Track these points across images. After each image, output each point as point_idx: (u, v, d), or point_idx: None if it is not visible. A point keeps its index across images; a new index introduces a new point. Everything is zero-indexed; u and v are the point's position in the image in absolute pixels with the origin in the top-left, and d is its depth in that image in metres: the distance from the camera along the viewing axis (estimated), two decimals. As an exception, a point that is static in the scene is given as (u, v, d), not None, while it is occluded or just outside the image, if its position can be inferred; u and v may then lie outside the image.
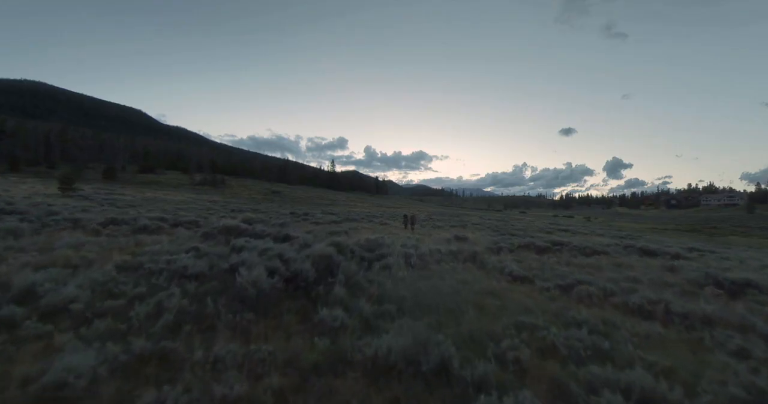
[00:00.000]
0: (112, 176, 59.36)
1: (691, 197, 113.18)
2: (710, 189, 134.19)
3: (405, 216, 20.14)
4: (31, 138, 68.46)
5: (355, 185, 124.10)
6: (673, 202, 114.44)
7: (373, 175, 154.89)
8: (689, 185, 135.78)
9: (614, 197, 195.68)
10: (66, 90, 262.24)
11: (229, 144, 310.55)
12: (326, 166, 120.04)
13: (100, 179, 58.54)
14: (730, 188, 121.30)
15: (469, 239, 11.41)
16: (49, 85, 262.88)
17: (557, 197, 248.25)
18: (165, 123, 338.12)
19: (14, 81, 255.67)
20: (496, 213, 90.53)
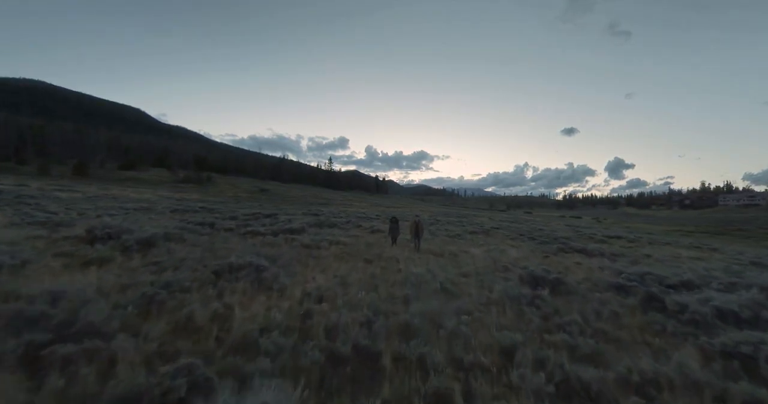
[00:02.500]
0: (84, 172, 53.13)
1: (705, 197, 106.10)
2: (720, 190, 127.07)
3: (392, 221, 11.05)
4: (3, 133, 62.37)
5: (354, 184, 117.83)
6: (687, 202, 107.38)
7: (373, 175, 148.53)
8: (703, 184, 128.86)
9: (619, 197, 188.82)
10: (64, 89, 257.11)
11: (230, 144, 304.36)
12: (324, 165, 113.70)
13: (70, 175, 52.42)
14: (748, 188, 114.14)
15: (567, 282, 4.88)
16: (48, 84, 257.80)
17: (559, 197, 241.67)
18: (165, 122, 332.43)
19: (13, 80, 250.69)
20: (502, 214, 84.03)
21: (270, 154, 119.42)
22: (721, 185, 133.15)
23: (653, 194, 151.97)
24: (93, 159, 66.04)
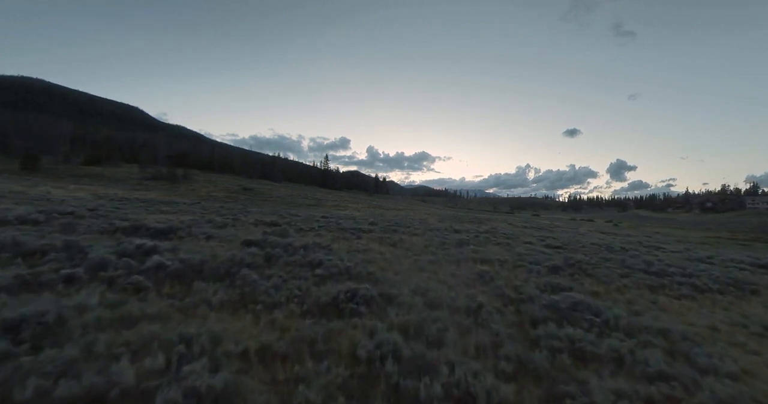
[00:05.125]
0: (33, 166, 44.80)
1: (728, 200, 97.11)
2: (738, 191, 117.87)
3: None
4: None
5: (353, 184, 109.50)
6: (708, 204, 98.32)
7: (374, 175, 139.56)
8: (724, 186, 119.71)
9: (627, 199, 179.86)
10: (61, 86, 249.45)
11: (231, 143, 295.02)
12: (321, 163, 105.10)
13: (17, 168, 44.05)
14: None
15: None
16: (45, 81, 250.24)
17: (562, 199, 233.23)
18: (165, 121, 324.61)
19: (10, 77, 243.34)
20: (512, 216, 75.25)
21: (270, 154, 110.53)
22: (740, 187, 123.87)
23: (667, 196, 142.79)
24: (57, 153, 57.64)
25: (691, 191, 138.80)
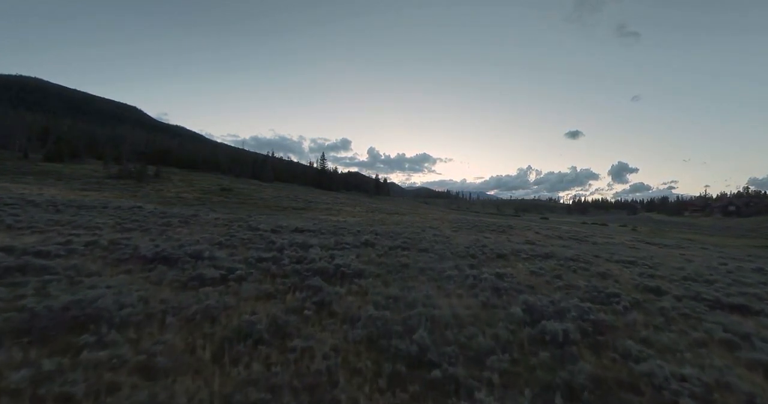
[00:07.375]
0: (-30, 163, 37.70)
1: (752, 203, 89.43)
2: (759, 193, 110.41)
3: None
4: None
5: (352, 185, 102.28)
6: (731, 208, 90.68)
7: (374, 176, 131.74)
8: (746, 188, 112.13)
9: (634, 201, 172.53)
10: (58, 85, 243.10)
11: (231, 144, 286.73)
12: (317, 162, 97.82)
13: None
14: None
15: None
16: (42, 80, 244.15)
17: (564, 201, 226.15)
18: (166, 122, 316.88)
19: (7, 76, 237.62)
20: (519, 219, 67.84)
21: (272, 155, 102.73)
22: (742, 189, 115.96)
23: (682, 198, 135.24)
24: (13, 147, 50.63)
25: (692, 193, 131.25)
